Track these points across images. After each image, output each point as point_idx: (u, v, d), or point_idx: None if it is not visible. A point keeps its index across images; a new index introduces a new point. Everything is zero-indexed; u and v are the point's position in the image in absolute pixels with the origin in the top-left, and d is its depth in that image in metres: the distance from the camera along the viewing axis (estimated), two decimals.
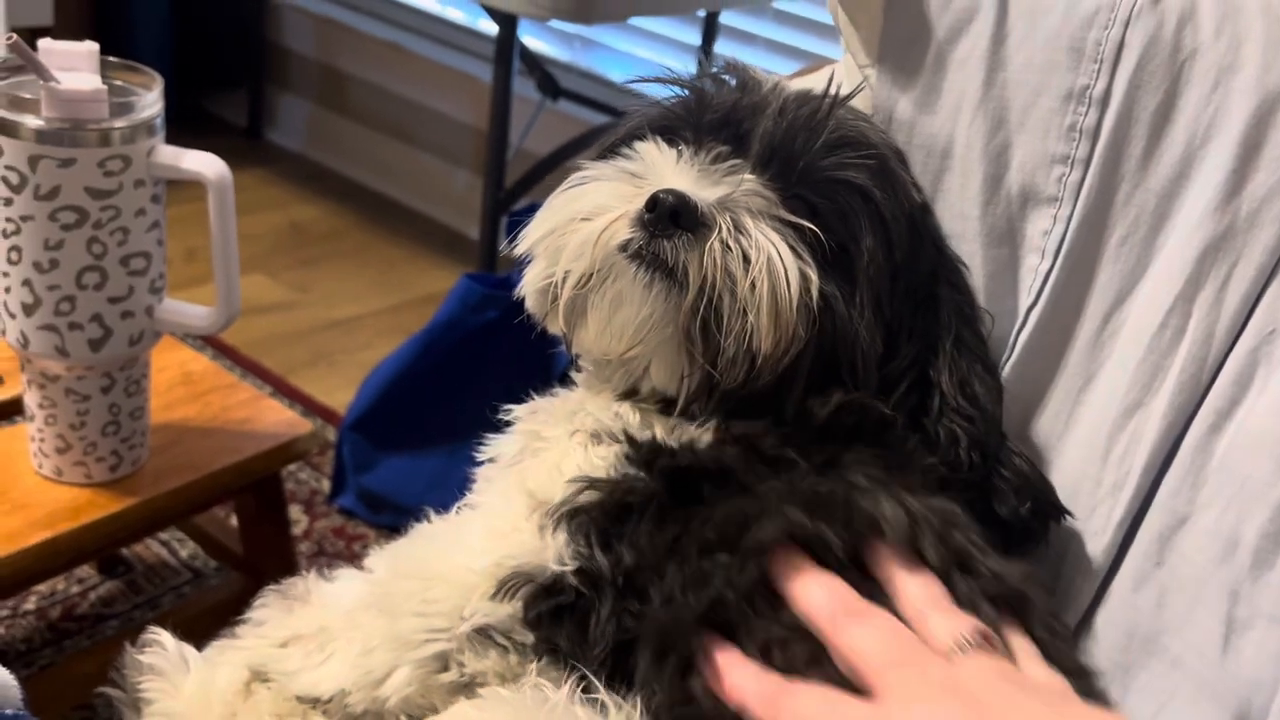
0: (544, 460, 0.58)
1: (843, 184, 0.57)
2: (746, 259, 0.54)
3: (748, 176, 0.57)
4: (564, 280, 0.57)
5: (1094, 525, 0.60)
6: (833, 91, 0.60)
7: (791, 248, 0.55)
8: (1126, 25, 0.59)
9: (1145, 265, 0.60)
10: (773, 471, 0.55)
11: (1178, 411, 0.58)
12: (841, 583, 0.50)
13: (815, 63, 1.91)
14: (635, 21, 2.47)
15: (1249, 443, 0.56)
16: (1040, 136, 0.61)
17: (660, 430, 0.58)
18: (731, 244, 0.54)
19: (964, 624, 0.49)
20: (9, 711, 0.56)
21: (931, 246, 0.61)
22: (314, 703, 0.56)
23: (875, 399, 0.58)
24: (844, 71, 0.72)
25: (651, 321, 0.55)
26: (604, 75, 2.56)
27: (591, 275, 0.56)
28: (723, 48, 2.35)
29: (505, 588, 0.54)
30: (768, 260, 0.54)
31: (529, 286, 0.60)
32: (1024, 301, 0.63)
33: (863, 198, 0.57)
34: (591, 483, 0.55)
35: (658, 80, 0.62)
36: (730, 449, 0.56)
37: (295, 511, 1.74)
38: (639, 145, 0.59)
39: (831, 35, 2.31)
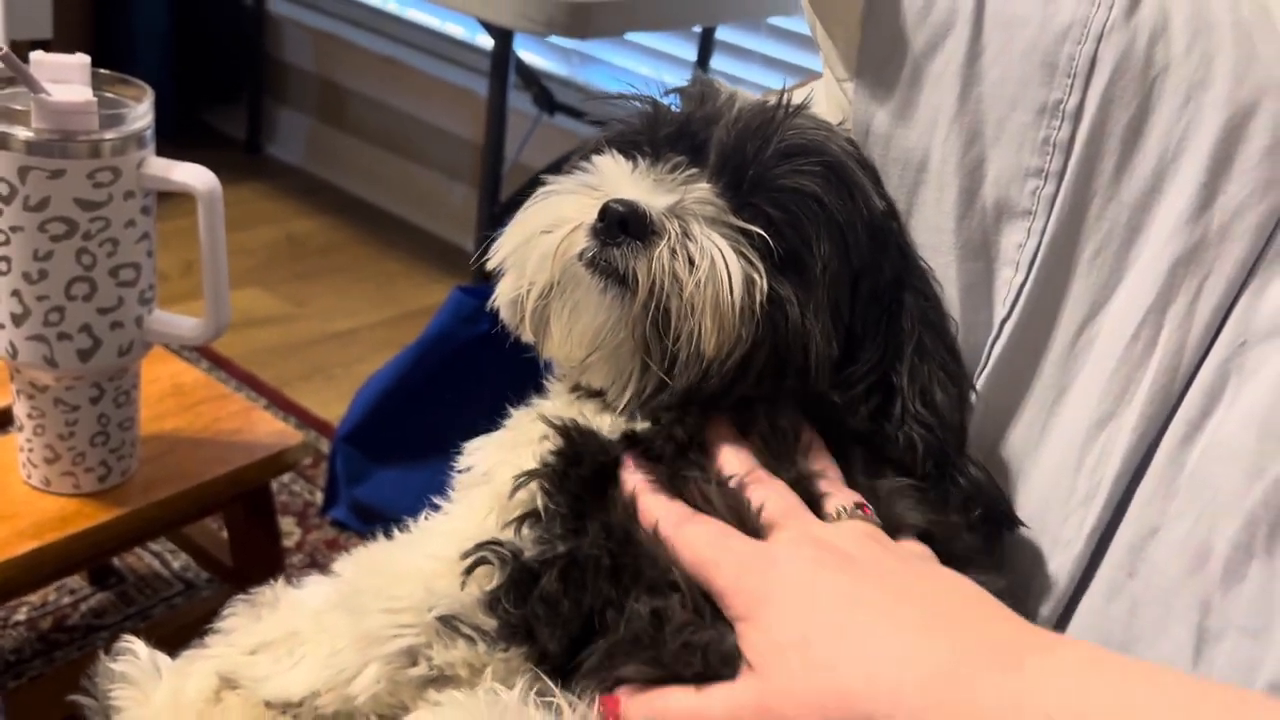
0: (507, 471, 0.60)
1: (794, 191, 0.58)
2: (693, 263, 0.55)
3: (700, 185, 0.58)
4: (529, 291, 0.59)
5: (1066, 535, 0.60)
6: (787, 101, 0.60)
7: (739, 252, 0.56)
8: (1099, 41, 0.59)
9: (1118, 278, 0.60)
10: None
11: (1149, 423, 0.58)
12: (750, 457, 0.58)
13: (809, 77, 1.92)
14: (631, 36, 2.48)
15: (1220, 454, 0.56)
16: (1014, 150, 0.62)
17: (607, 424, 0.60)
18: (679, 249, 0.55)
19: (848, 497, 0.56)
20: None
21: (896, 253, 0.62)
22: (283, 707, 0.56)
23: (833, 403, 0.59)
24: (824, 85, 0.73)
25: (607, 326, 0.57)
26: (600, 89, 2.58)
27: (553, 285, 0.58)
28: (718, 63, 2.37)
29: (467, 571, 0.55)
30: (711, 263, 0.55)
31: (501, 299, 0.61)
32: (998, 313, 0.63)
33: (815, 204, 0.58)
34: (530, 474, 0.57)
35: (618, 97, 0.63)
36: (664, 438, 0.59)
37: (288, 523, 1.74)
38: (596, 159, 0.61)
39: None
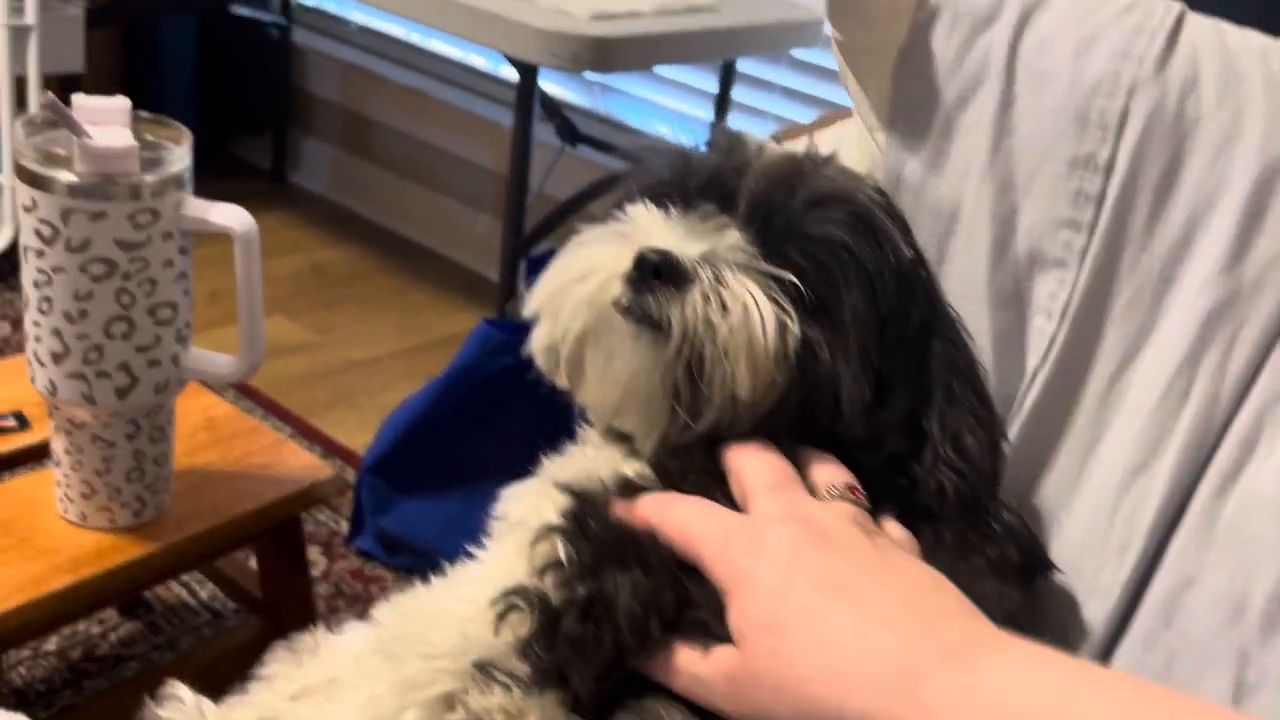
0: (538, 515, 0.60)
1: (822, 239, 0.59)
2: (726, 309, 0.56)
3: (731, 232, 0.59)
4: (564, 338, 0.60)
5: (1101, 583, 0.61)
6: (816, 151, 0.61)
7: (771, 297, 0.57)
8: (1130, 95, 0.60)
9: (1150, 329, 0.61)
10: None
11: (1184, 473, 0.59)
12: None
13: (832, 111, 1.93)
14: (654, 68, 2.50)
15: (1256, 505, 0.56)
16: (1047, 201, 0.63)
17: (634, 469, 0.60)
18: (711, 295, 0.56)
19: (840, 476, 0.57)
20: None
21: (925, 300, 0.62)
22: None
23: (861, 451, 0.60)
24: (854, 133, 0.74)
25: (641, 372, 0.58)
26: (622, 121, 2.60)
27: (587, 332, 0.59)
28: (739, 94, 2.39)
29: (499, 616, 0.56)
30: (744, 308, 0.56)
31: (536, 346, 0.62)
32: (1031, 362, 0.64)
33: (843, 251, 0.59)
34: (551, 528, 0.58)
35: (648, 148, 0.65)
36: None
37: (313, 553, 1.75)
38: (629, 208, 0.62)
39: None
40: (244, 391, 2.14)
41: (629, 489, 0.59)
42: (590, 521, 0.58)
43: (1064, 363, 0.63)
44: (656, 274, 0.57)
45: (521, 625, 0.56)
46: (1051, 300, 0.63)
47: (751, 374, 0.56)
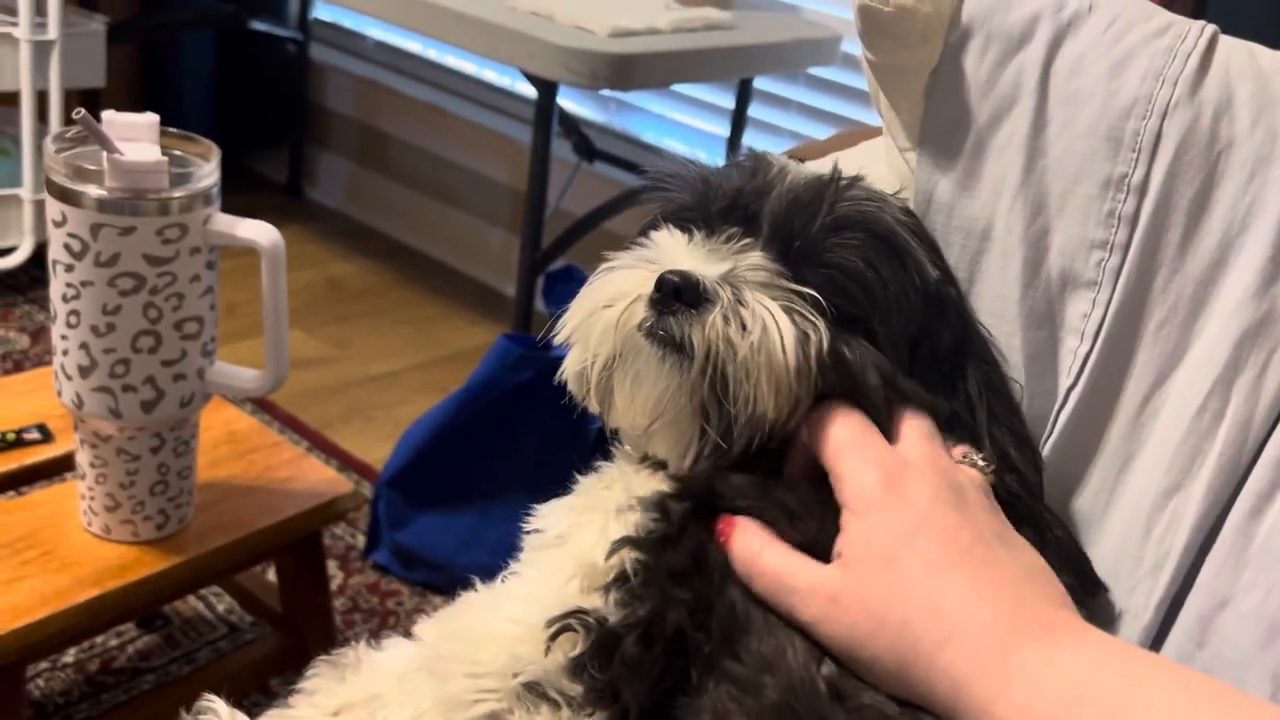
0: (585, 534, 0.61)
1: (841, 265, 0.60)
2: (746, 328, 0.57)
3: (752, 253, 0.60)
4: (593, 363, 0.61)
5: (1135, 604, 0.60)
6: (840, 173, 0.62)
7: (792, 312, 0.57)
8: (1164, 116, 0.60)
9: (1184, 349, 0.61)
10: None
11: (1217, 494, 0.59)
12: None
13: (849, 129, 1.94)
14: (671, 86, 2.51)
15: None
16: (1080, 222, 0.63)
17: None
18: (731, 315, 0.57)
19: (971, 448, 0.60)
20: None
21: (956, 320, 0.63)
22: None
23: None
24: (885, 152, 0.74)
25: (668, 394, 0.58)
26: (639, 137, 2.61)
27: (615, 357, 0.60)
28: (756, 111, 2.39)
29: (551, 638, 0.56)
30: (763, 327, 0.57)
31: (569, 372, 0.63)
32: (1063, 382, 0.64)
33: (865, 275, 0.59)
34: (628, 541, 0.58)
35: (670, 172, 0.65)
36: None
37: (330, 567, 1.75)
38: (653, 234, 0.62)
39: (863, 100, 2.35)
40: (261, 405, 2.15)
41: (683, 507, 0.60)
42: (669, 541, 0.58)
43: (1096, 383, 0.63)
44: (677, 296, 0.57)
45: (573, 645, 0.56)
46: (1084, 320, 0.63)
47: (774, 393, 0.57)
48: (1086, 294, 0.63)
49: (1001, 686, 0.49)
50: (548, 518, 0.63)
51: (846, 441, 0.57)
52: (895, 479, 0.55)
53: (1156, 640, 0.60)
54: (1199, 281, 0.60)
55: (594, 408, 0.63)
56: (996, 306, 0.65)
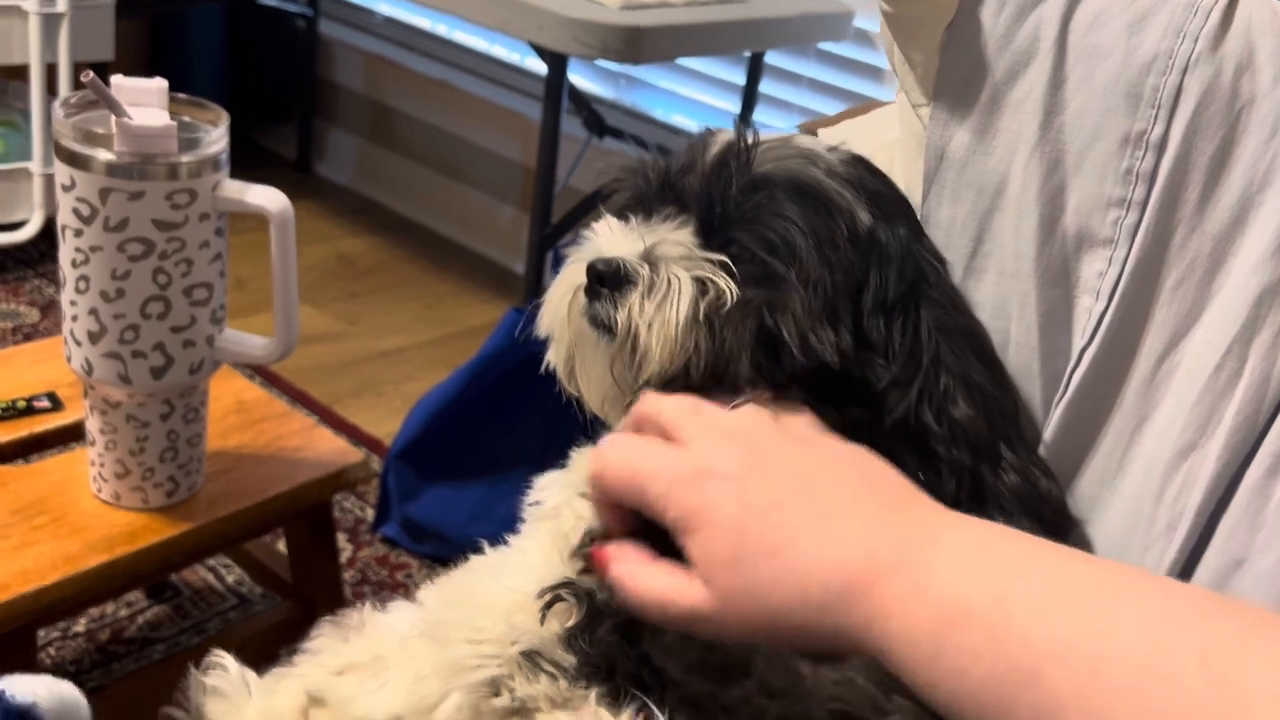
0: (569, 509, 0.64)
1: (760, 220, 0.62)
2: (662, 300, 0.61)
3: (675, 231, 0.63)
4: (562, 353, 0.65)
5: (1147, 564, 0.60)
6: (745, 139, 0.64)
7: (698, 279, 0.60)
8: (1185, 72, 0.60)
9: (1201, 308, 0.60)
10: None
11: (1233, 453, 0.58)
12: None
13: (860, 104, 1.92)
14: (681, 61, 2.50)
15: None
16: (1097, 180, 0.62)
17: None
18: (648, 292, 0.61)
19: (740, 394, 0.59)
20: None
21: (907, 266, 0.63)
22: None
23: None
24: (897, 111, 0.73)
25: (602, 371, 0.63)
26: (649, 114, 2.60)
27: (574, 344, 0.64)
28: (767, 87, 2.38)
29: (545, 608, 0.58)
30: (664, 295, 0.60)
31: (554, 363, 0.67)
32: (1078, 341, 0.63)
33: (784, 228, 0.61)
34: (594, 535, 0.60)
35: (627, 169, 0.68)
36: None
37: (339, 540, 1.76)
38: (594, 225, 0.66)
39: (875, 76, 2.34)
40: (270, 379, 2.15)
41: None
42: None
43: (1111, 342, 0.62)
44: (601, 281, 0.61)
45: (567, 616, 0.57)
46: (1100, 279, 0.62)
47: (661, 344, 0.60)
48: (1103, 252, 0.62)
49: (884, 624, 0.49)
50: (544, 490, 0.64)
51: (641, 466, 0.56)
52: (698, 480, 0.55)
53: None
54: (1217, 239, 0.60)
55: (574, 392, 0.67)
56: (1011, 265, 0.64)
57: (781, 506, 0.53)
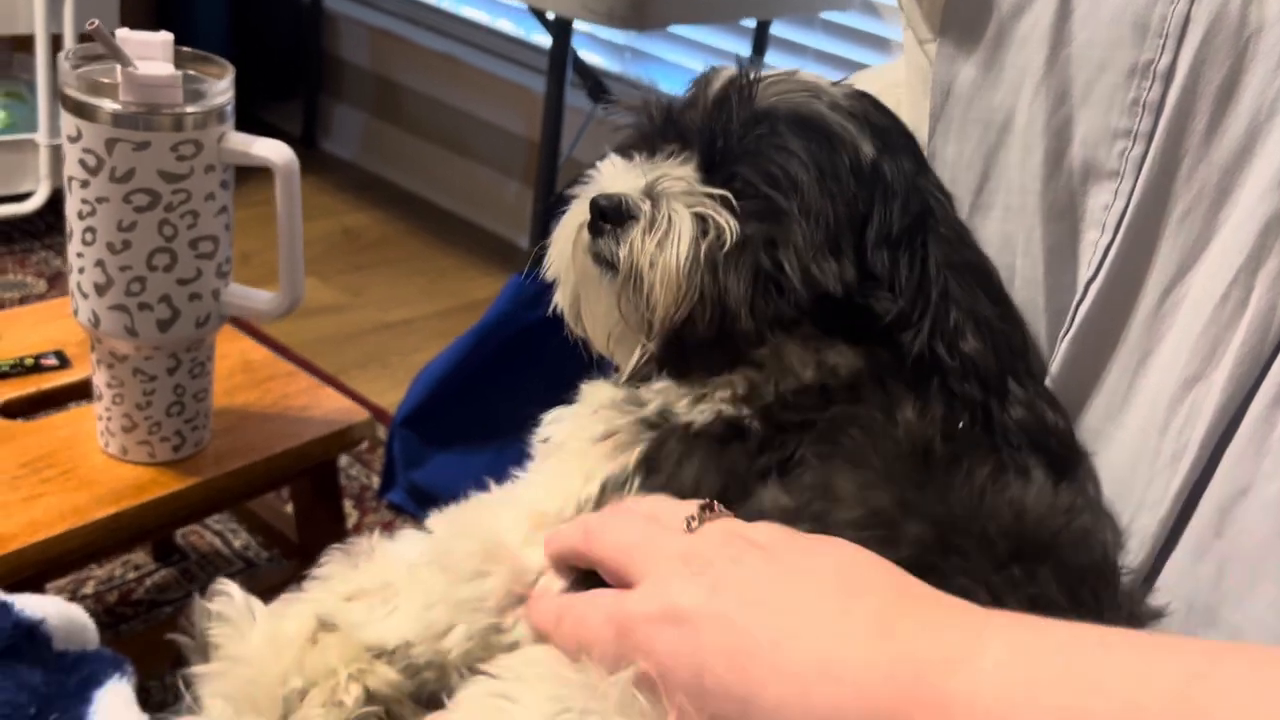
0: (583, 433, 0.63)
1: (762, 152, 0.61)
2: (665, 235, 0.60)
3: (678, 166, 0.63)
4: (567, 293, 0.66)
5: (1152, 496, 0.60)
6: (747, 73, 0.64)
7: (699, 216, 0.60)
8: (1192, 1, 0.59)
9: (1207, 239, 0.60)
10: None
11: (1239, 383, 0.58)
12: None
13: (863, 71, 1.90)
14: (685, 32, 2.49)
15: None
16: (1103, 111, 0.62)
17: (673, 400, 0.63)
18: (651, 227, 0.61)
19: (690, 506, 0.55)
20: (91, 649, 0.58)
21: (911, 200, 0.62)
22: (379, 653, 0.57)
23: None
24: (905, 51, 0.73)
25: (607, 307, 0.63)
26: (654, 86, 2.59)
27: (579, 283, 0.64)
28: (772, 58, 2.37)
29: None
30: (666, 231, 0.60)
31: (561, 305, 0.67)
32: (1083, 275, 0.63)
33: (786, 160, 0.61)
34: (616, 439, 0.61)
35: (628, 110, 0.68)
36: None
37: (345, 507, 1.76)
38: (598, 164, 0.66)
39: (880, 46, 2.32)
40: (277, 349, 2.15)
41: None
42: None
43: (1117, 275, 0.62)
44: (604, 217, 0.61)
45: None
46: (1105, 212, 0.62)
47: (665, 286, 0.60)
48: (1109, 184, 0.62)
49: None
50: (552, 425, 0.64)
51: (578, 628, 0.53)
52: (639, 626, 0.50)
53: (1174, 532, 0.60)
54: (1224, 169, 0.59)
55: (580, 334, 0.67)
56: (1017, 199, 0.64)
57: (754, 628, 0.47)
